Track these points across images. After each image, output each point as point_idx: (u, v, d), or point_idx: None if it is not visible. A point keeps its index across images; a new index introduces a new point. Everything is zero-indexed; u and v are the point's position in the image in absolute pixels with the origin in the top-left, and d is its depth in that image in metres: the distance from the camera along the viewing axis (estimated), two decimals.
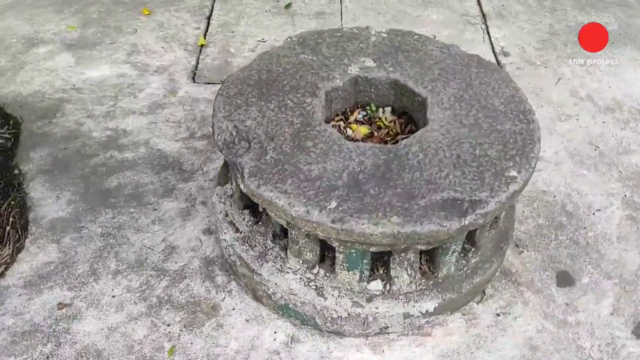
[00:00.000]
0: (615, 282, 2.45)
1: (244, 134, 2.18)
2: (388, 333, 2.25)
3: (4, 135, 3.07)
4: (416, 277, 2.19)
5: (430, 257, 2.24)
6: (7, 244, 2.60)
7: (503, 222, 2.45)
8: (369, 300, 2.18)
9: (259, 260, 2.27)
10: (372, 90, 2.51)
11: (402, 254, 2.09)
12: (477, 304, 2.36)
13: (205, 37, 3.92)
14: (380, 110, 2.54)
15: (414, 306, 2.18)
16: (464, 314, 2.33)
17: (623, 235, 2.61)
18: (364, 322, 2.19)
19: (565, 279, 2.46)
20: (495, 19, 3.97)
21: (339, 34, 2.70)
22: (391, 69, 2.49)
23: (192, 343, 2.27)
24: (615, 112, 3.24)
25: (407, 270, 2.15)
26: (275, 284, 2.23)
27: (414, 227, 1.88)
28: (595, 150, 2.99)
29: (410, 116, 2.50)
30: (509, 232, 2.48)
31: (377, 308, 2.17)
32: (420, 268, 2.21)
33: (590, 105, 3.29)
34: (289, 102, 2.32)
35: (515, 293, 2.41)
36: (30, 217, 2.78)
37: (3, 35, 3.97)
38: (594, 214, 2.69)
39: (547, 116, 3.20)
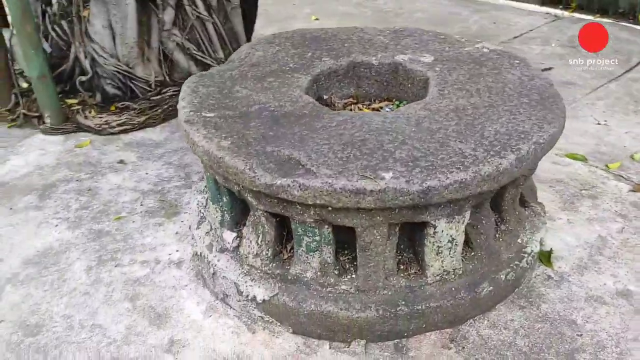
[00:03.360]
0: None
1: (242, 59, 2.25)
2: (229, 305, 1.94)
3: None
4: (266, 253, 1.82)
5: None
6: (144, 117, 3.29)
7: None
8: (221, 250, 1.94)
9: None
10: (409, 85, 2.16)
11: (257, 212, 1.79)
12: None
13: None
14: None
15: (247, 283, 1.83)
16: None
17: None
18: (209, 274, 1.96)
19: None
20: None
21: (443, 37, 2.39)
22: (438, 69, 2.09)
23: (133, 222, 2.46)
24: None
25: (258, 236, 1.82)
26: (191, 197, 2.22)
27: (227, 156, 1.63)
28: None
29: None
30: None
31: (218, 261, 1.91)
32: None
33: None
34: (309, 54, 2.25)
35: None
36: None
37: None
38: None
39: None
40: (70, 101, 3.48)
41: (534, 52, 3.92)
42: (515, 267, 1.84)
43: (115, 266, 2.19)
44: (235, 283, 1.84)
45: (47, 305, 2.02)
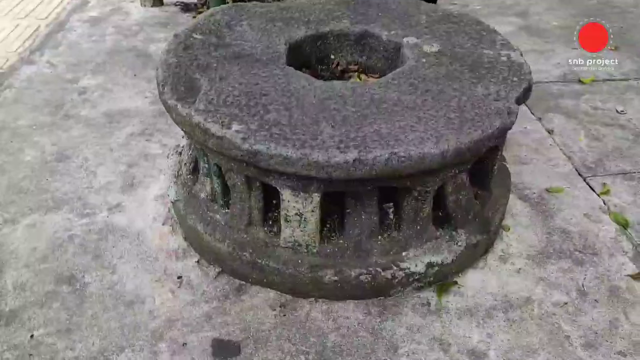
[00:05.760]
0: None
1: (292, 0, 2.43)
2: None
3: None
4: (188, 165, 2.10)
5: None
6: None
7: None
8: (178, 153, 2.28)
9: None
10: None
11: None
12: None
13: None
14: None
15: (171, 183, 2.15)
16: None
17: None
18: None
19: None
20: None
21: (484, 32, 2.20)
22: (424, 60, 2.00)
23: None
24: None
25: (189, 149, 2.11)
26: None
27: (159, 69, 1.92)
28: None
29: None
30: None
31: (169, 160, 2.26)
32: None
33: None
34: (338, 13, 2.31)
35: None
36: None
37: None
38: None
39: None
40: None
41: None
42: (372, 272, 1.79)
43: (146, 140, 2.70)
44: (169, 180, 2.18)
45: (84, 147, 2.64)
